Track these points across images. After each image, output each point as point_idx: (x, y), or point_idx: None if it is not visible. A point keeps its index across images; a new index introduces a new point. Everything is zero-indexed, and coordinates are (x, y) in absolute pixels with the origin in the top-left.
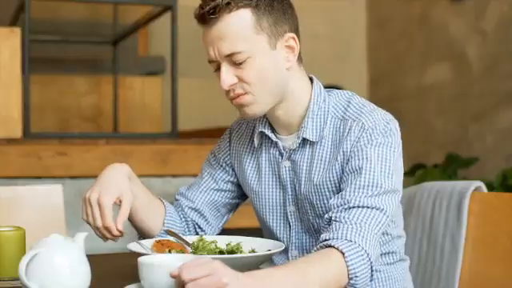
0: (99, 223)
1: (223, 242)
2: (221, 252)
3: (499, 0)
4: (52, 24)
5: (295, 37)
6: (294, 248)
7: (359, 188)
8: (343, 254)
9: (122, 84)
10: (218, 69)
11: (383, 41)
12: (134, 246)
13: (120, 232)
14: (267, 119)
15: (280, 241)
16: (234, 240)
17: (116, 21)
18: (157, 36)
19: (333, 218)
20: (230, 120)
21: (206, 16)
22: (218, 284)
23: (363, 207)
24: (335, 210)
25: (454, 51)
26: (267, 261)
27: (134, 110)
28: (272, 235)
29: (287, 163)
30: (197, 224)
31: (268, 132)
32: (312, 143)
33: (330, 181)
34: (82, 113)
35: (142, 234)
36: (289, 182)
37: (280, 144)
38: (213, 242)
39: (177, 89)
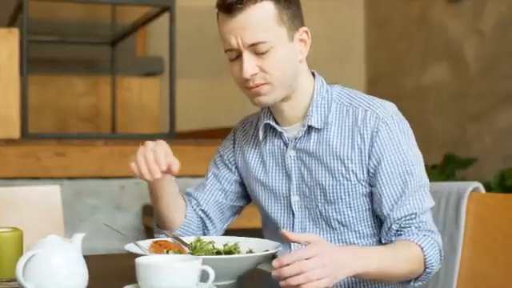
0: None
1: (221, 242)
2: (218, 253)
3: (497, 0)
4: (50, 25)
5: (308, 31)
6: None
7: (415, 192)
8: (422, 248)
9: (120, 85)
10: (235, 58)
11: (382, 41)
12: (132, 247)
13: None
14: (271, 112)
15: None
16: (231, 240)
17: (114, 21)
18: (155, 37)
19: (402, 226)
20: (227, 121)
21: (234, 5)
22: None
23: (425, 211)
24: (402, 220)
25: (453, 51)
26: (266, 261)
27: (132, 110)
28: (275, 226)
29: (292, 153)
30: (204, 223)
31: (273, 123)
32: (317, 130)
33: (345, 165)
34: (80, 113)
35: (163, 225)
36: (294, 171)
37: (285, 134)
38: (210, 242)
39: (175, 89)
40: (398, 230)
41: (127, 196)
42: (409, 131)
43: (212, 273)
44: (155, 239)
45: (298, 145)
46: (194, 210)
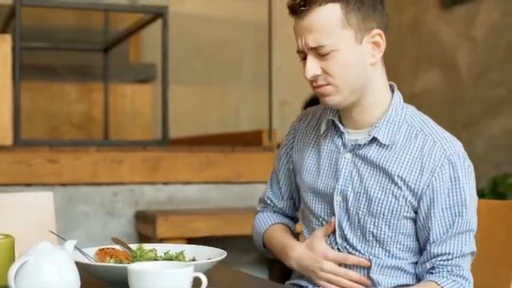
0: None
1: (163, 250)
2: (156, 260)
3: (489, 8)
4: (43, 31)
5: (382, 33)
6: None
7: (458, 234)
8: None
9: (113, 91)
10: (304, 58)
11: None
12: (76, 255)
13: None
14: (338, 110)
15: (320, 221)
16: (174, 248)
17: (107, 28)
18: (148, 43)
19: (436, 265)
20: (220, 128)
21: (297, 8)
22: None
23: (463, 256)
24: (438, 259)
25: (445, 59)
26: (210, 269)
27: (125, 117)
28: (312, 216)
29: (348, 155)
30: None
31: (337, 121)
32: (381, 145)
33: (398, 185)
34: (73, 120)
35: None
36: (343, 174)
37: (346, 136)
38: (151, 250)
39: (167, 96)
40: (430, 268)
41: (120, 202)
42: (471, 174)
43: (205, 279)
44: (101, 247)
45: (356, 150)
46: (275, 212)
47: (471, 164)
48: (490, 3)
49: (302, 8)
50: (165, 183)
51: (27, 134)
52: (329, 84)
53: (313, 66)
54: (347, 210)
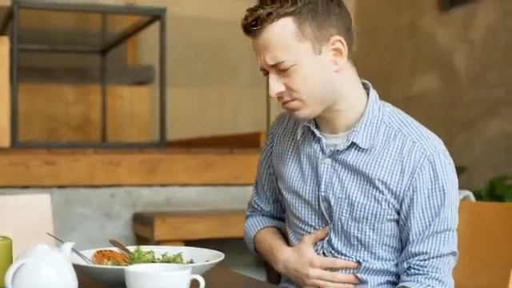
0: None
1: (160, 252)
2: (154, 262)
3: (487, 9)
4: (40, 33)
5: (342, 40)
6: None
7: (436, 233)
8: None
9: (111, 93)
10: (267, 75)
11: (371, 50)
12: (74, 257)
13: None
14: None
15: (306, 226)
16: (172, 250)
17: (105, 30)
18: (146, 45)
19: (412, 265)
20: (218, 130)
21: (250, 28)
22: None
23: (441, 256)
24: (415, 259)
25: (442, 61)
26: (207, 271)
27: (123, 119)
28: (299, 222)
29: (328, 161)
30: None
31: (312, 127)
32: (360, 149)
33: (379, 189)
34: (71, 122)
35: None
36: (324, 179)
37: (323, 141)
38: (149, 252)
39: (165, 98)
40: (407, 269)
41: (117, 205)
42: (451, 172)
43: (202, 281)
44: (99, 249)
45: (335, 155)
46: (264, 215)
47: (452, 161)
48: (487, 5)
49: (254, 28)
50: (162, 185)
51: (25, 136)
52: (295, 99)
53: (276, 84)
54: (331, 216)
